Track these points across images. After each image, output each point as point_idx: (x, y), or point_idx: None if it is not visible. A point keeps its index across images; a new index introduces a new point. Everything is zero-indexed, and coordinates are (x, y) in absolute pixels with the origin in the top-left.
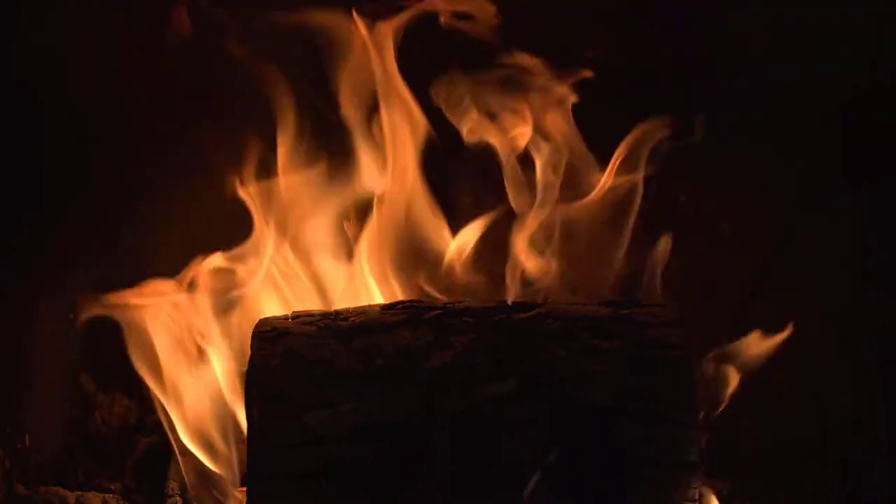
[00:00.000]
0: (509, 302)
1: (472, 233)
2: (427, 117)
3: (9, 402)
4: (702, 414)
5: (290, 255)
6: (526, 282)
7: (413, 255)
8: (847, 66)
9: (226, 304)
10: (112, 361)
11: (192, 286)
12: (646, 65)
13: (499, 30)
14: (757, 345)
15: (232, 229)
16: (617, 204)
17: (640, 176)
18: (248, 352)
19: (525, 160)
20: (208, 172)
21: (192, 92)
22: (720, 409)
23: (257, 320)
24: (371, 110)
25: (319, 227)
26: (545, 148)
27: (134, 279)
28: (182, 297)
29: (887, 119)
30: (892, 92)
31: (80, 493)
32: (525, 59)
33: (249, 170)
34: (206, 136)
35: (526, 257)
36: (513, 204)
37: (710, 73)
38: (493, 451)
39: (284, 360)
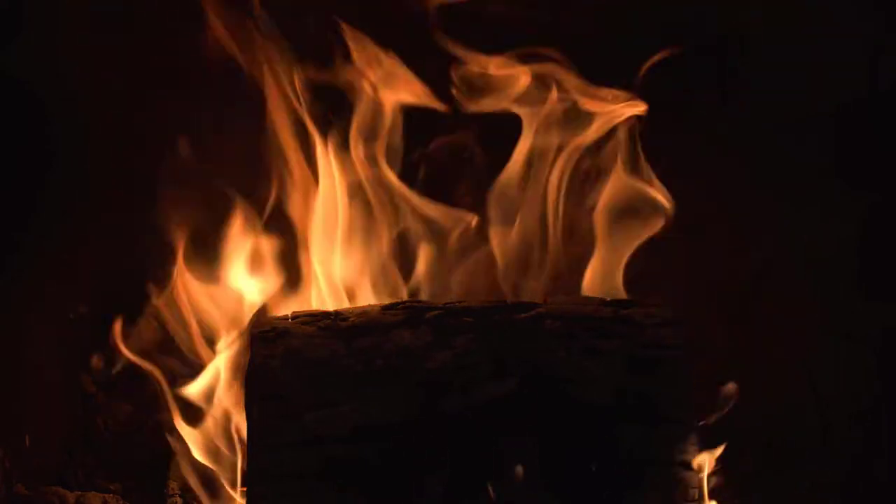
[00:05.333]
0: (509, 302)
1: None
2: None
3: (9, 402)
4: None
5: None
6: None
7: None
8: (846, 68)
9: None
10: (113, 362)
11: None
12: (646, 68)
13: None
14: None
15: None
16: None
17: None
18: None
19: None
20: (209, 173)
21: (193, 91)
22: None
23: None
24: None
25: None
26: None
27: (133, 280)
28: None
29: (886, 122)
30: (890, 95)
31: (80, 493)
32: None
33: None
34: (207, 137)
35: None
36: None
37: (710, 76)
38: (493, 451)
39: (284, 360)
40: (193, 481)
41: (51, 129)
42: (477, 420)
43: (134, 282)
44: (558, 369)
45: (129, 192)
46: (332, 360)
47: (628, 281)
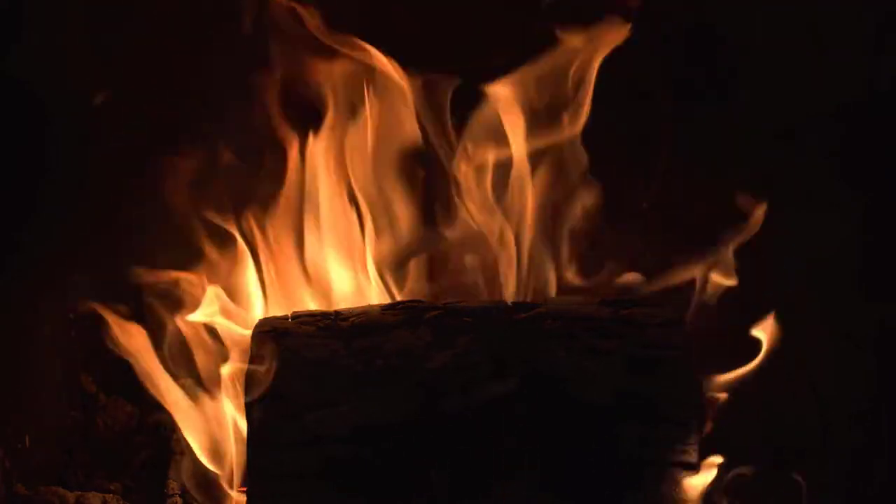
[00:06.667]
0: (509, 302)
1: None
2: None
3: (9, 402)
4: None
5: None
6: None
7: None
8: (846, 68)
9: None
10: (113, 362)
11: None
12: (646, 66)
13: None
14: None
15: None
16: None
17: None
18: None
19: None
20: (209, 173)
21: (193, 92)
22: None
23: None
24: None
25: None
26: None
27: (134, 279)
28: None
29: (886, 122)
30: (890, 95)
31: (80, 493)
32: None
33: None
34: (208, 137)
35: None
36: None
37: (710, 75)
38: (493, 451)
39: (284, 360)
40: (193, 481)
41: (51, 129)
42: (477, 420)
43: (134, 282)
44: (558, 369)
45: (129, 192)
46: (332, 360)
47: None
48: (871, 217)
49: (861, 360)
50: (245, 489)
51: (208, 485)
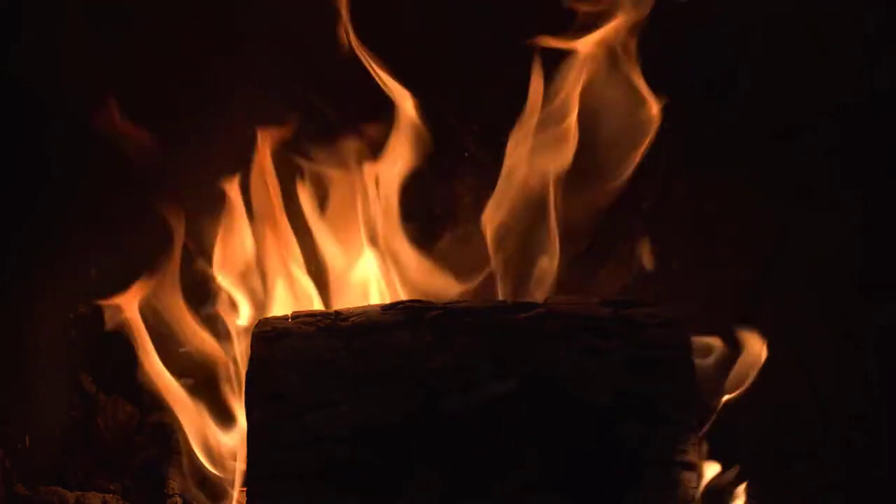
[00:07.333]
0: (509, 302)
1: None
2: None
3: (9, 402)
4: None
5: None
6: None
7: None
8: (846, 68)
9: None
10: (113, 362)
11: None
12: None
13: None
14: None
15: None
16: None
17: None
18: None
19: None
20: (208, 172)
21: (193, 91)
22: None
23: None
24: None
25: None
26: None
27: (132, 280)
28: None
29: (886, 122)
30: (890, 95)
31: (80, 493)
32: None
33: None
34: (207, 136)
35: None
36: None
37: (710, 75)
38: (493, 451)
39: (284, 360)
40: (193, 481)
41: (51, 130)
42: (477, 420)
43: (134, 282)
44: (558, 369)
45: (129, 192)
46: (332, 360)
47: (629, 281)
48: (871, 217)
49: (861, 360)
50: (245, 489)
51: (209, 484)
